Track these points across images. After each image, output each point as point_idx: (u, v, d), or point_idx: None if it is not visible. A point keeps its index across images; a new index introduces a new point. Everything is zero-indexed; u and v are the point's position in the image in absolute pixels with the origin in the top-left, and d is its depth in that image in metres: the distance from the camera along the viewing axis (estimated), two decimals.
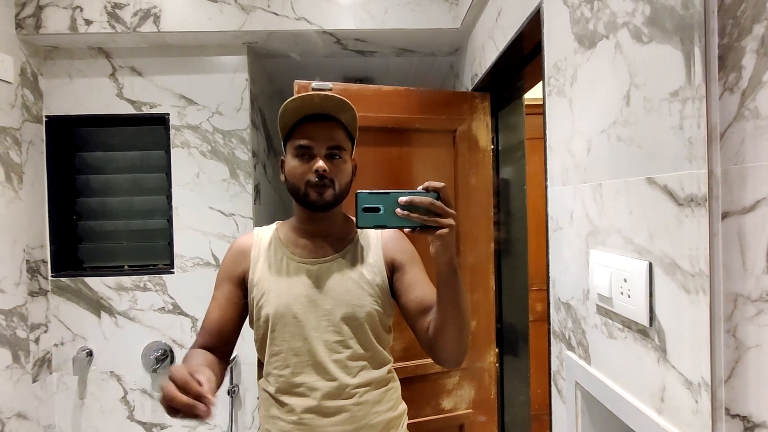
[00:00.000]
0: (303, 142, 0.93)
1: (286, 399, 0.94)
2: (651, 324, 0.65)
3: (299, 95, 0.93)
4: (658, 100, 0.62)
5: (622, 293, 0.72)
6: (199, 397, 0.66)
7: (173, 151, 1.86)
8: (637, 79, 0.68)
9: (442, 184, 0.74)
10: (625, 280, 0.71)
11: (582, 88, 0.86)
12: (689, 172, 0.56)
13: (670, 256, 0.60)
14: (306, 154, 0.94)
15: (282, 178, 1.01)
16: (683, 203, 0.57)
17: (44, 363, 1.80)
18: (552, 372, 1.05)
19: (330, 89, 1.53)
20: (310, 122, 0.95)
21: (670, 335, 0.61)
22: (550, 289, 1.04)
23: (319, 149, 0.93)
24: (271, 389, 0.96)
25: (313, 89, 1.51)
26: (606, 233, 0.78)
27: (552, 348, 1.04)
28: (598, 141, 0.80)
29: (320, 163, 0.92)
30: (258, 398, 1.87)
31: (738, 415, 0.51)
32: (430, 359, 1.60)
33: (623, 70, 0.71)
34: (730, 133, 0.51)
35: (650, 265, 0.65)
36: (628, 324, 0.72)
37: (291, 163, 0.95)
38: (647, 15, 0.65)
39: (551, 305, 1.04)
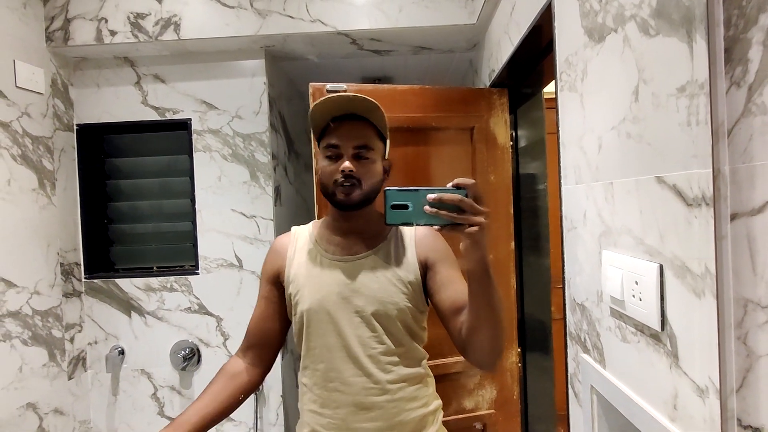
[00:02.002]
0: (331, 141, 0.96)
1: (322, 394, 0.97)
2: (663, 328, 0.63)
3: (324, 97, 0.94)
4: (665, 96, 0.60)
5: (633, 296, 0.69)
6: None
7: (195, 155, 1.91)
8: (645, 74, 0.65)
9: (473, 180, 0.73)
10: (637, 283, 0.68)
11: (592, 83, 0.83)
12: (697, 171, 0.53)
13: (681, 259, 0.58)
14: (334, 155, 0.96)
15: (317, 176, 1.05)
16: (692, 203, 0.55)
17: (79, 361, 1.89)
18: (569, 374, 1.02)
19: (344, 90, 1.53)
20: (339, 122, 0.97)
21: (682, 341, 0.59)
22: (566, 290, 1.02)
23: (345, 149, 0.95)
24: (308, 383, 0.99)
25: (328, 91, 1.52)
26: (618, 234, 0.75)
27: (568, 350, 1.02)
28: (608, 138, 0.77)
29: (346, 163, 0.93)
30: (295, 389, 1.91)
31: (750, 426, 0.49)
32: (451, 358, 1.62)
33: (632, 64, 0.68)
34: (737, 130, 0.48)
35: (661, 267, 0.63)
36: (640, 328, 0.69)
37: (321, 162, 0.98)
38: (654, 6, 0.62)
39: (567, 306, 1.02)
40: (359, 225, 1.02)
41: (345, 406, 0.94)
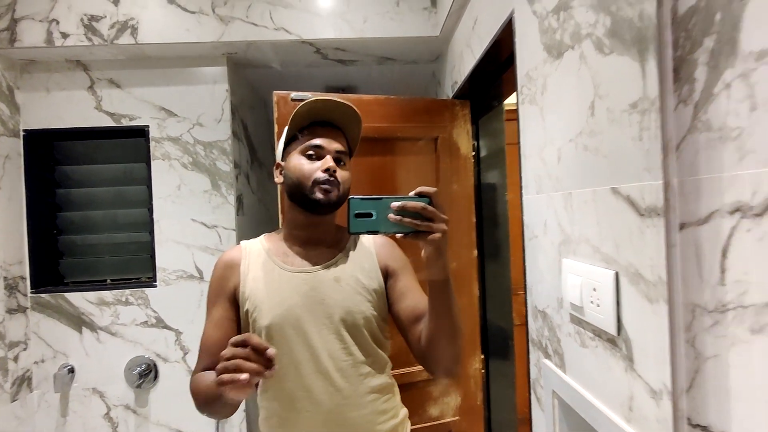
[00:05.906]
0: (316, 141, 0.96)
1: (289, 414, 0.93)
2: (619, 333, 0.66)
3: (322, 98, 0.96)
4: (619, 111, 0.63)
5: (592, 302, 0.72)
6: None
7: (154, 164, 1.85)
8: (600, 90, 0.68)
9: (434, 189, 0.75)
10: (595, 289, 0.71)
11: (551, 97, 0.87)
12: (649, 183, 0.56)
13: (635, 266, 0.61)
14: (316, 155, 0.96)
15: (278, 179, 1.02)
16: (644, 213, 0.58)
17: (24, 381, 1.77)
18: (531, 380, 1.05)
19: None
20: (321, 126, 0.99)
21: (636, 344, 0.62)
22: (528, 297, 1.05)
23: (329, 151, 0.97)
24: (271, 406, 0.95)
25: (293, 100, 1.51)
26: (577, 242, 0.78)
27: (531, 356, 1.04)
28: (567, 150, 0.81)
29: (331, 163, 0.95)
30: (246, 413, 1.85)
31: (699, 425, 0.52)
32: (416, 367, 1.63)
33: (588, 80, 0.72)
34: (685, 145, 0.52)
35: (617, 274, 0.65)
36: (598, 333, 0.72)
37: (297, 161, 0.97)
38: (608, 26, 0.66)
39: (529, 313, 1.04)
40: (320, 234, 1.01)
41: (316, 426, 0.91)
